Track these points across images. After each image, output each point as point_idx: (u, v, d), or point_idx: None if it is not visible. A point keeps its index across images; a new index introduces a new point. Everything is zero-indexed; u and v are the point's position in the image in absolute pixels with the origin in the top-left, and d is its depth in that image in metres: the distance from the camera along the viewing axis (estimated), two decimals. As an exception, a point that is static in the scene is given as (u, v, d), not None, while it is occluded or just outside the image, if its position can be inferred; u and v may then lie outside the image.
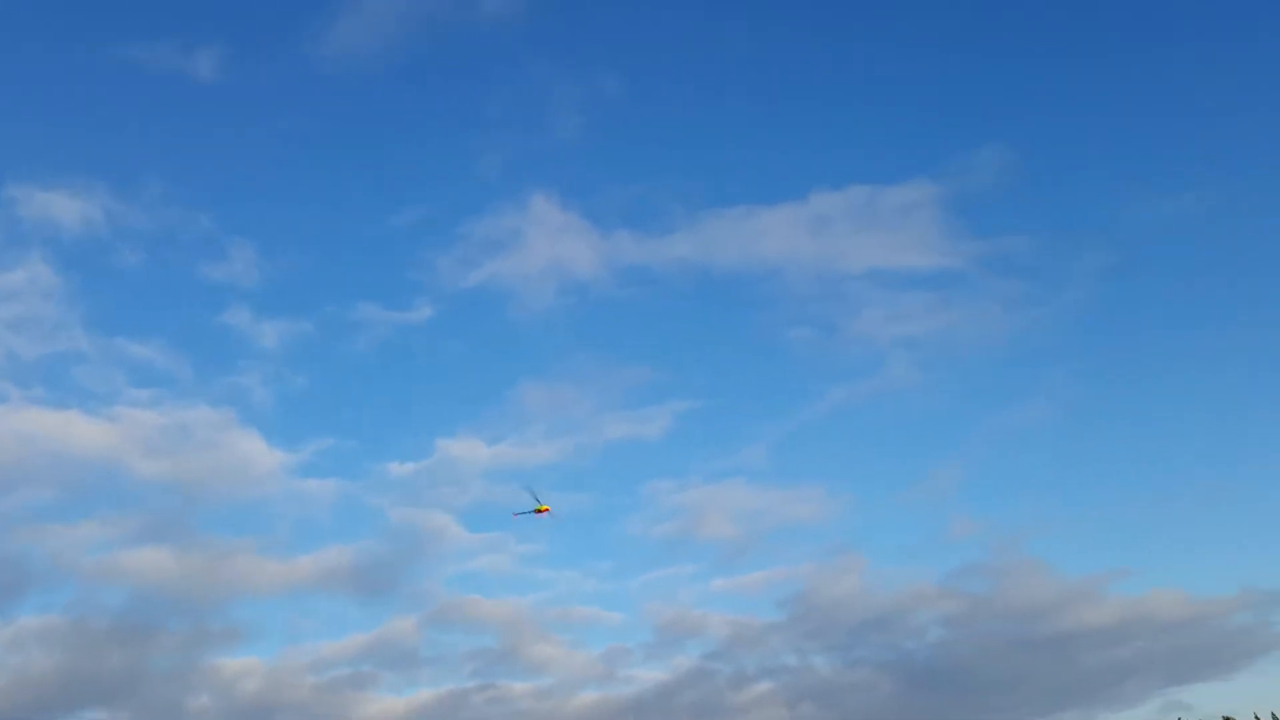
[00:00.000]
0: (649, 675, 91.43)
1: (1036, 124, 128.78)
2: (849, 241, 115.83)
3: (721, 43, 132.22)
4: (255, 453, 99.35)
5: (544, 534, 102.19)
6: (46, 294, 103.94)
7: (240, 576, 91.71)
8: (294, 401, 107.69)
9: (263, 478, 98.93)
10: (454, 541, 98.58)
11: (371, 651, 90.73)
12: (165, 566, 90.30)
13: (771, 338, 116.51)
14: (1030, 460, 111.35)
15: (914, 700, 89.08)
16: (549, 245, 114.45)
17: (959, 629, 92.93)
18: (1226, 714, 73.30)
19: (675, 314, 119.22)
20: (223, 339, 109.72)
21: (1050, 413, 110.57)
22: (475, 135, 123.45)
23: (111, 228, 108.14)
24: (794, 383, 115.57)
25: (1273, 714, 71.34)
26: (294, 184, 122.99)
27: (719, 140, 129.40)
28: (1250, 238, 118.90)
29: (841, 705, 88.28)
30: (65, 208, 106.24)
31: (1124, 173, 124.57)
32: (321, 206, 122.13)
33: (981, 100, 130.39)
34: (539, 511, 74.19)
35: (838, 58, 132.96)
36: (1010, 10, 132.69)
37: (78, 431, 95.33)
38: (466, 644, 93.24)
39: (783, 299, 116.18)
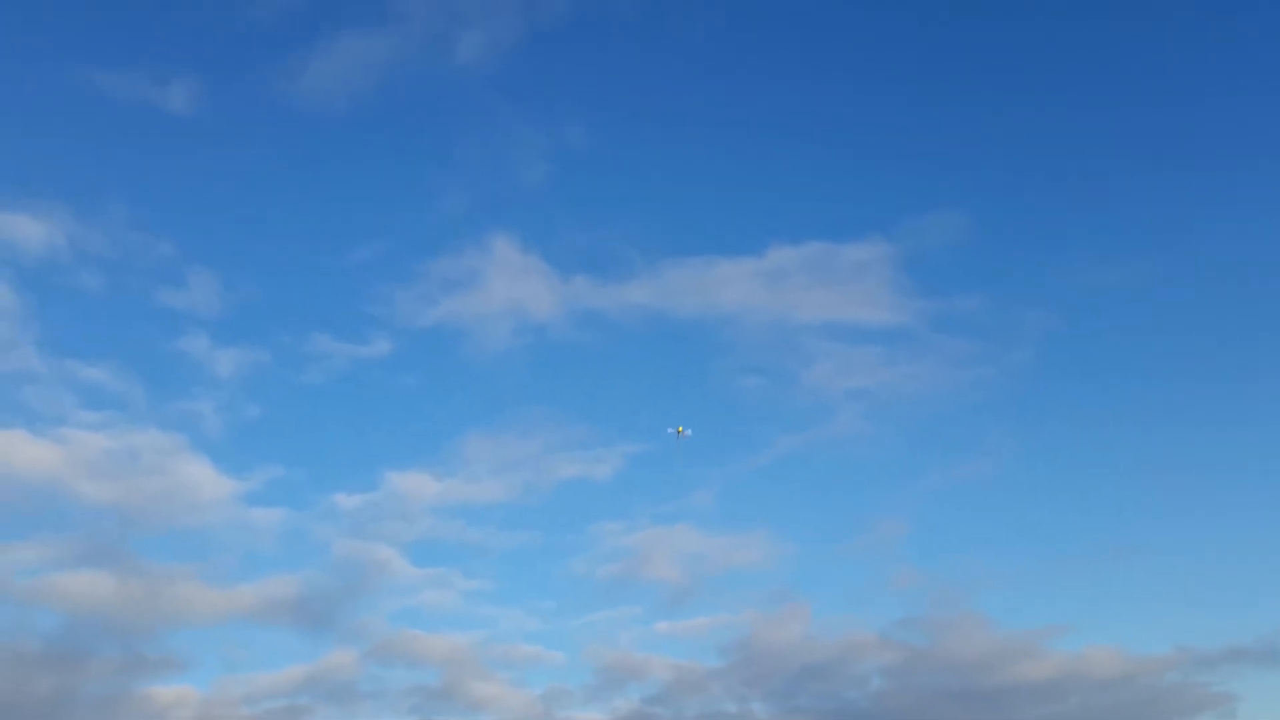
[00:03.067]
0: (589, 717, 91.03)
1: (988, 190, 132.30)
2: (803, 295, 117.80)
3: (685, 98, 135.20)
4: (204, 479, 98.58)
5: (489, 571, 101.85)
6: (1, 314, 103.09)
7: (179, 604, 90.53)
8: (246, 429, 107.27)
9: (210, 504, 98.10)
10: (398, 575, 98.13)
11: (310, 684, 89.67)
12: (102, 591, 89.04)
13: (724, 385, 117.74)
14: (973, 515, 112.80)
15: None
16: (508, 287, 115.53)
17: (899, 680, 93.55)
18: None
19: (629, 359, 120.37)
20: (178, 365, 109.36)
21: (994, 469, 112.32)
22: (441, 177, 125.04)
23: (73, 251, 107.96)
24: (744, 430, 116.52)
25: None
26: (258, 216, 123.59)
27: (680, 192, 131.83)
28: (1190, 305, 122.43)
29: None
30: (27, 229, 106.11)
31: (1071, 239, 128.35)
32: (284, 239, 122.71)
33: (937, 165, 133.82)
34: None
35: (801, 116, 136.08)
36: (968, 79, 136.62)
37: (21, 452, 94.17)
38: (407, 679, 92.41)
39: (736, 348, 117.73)
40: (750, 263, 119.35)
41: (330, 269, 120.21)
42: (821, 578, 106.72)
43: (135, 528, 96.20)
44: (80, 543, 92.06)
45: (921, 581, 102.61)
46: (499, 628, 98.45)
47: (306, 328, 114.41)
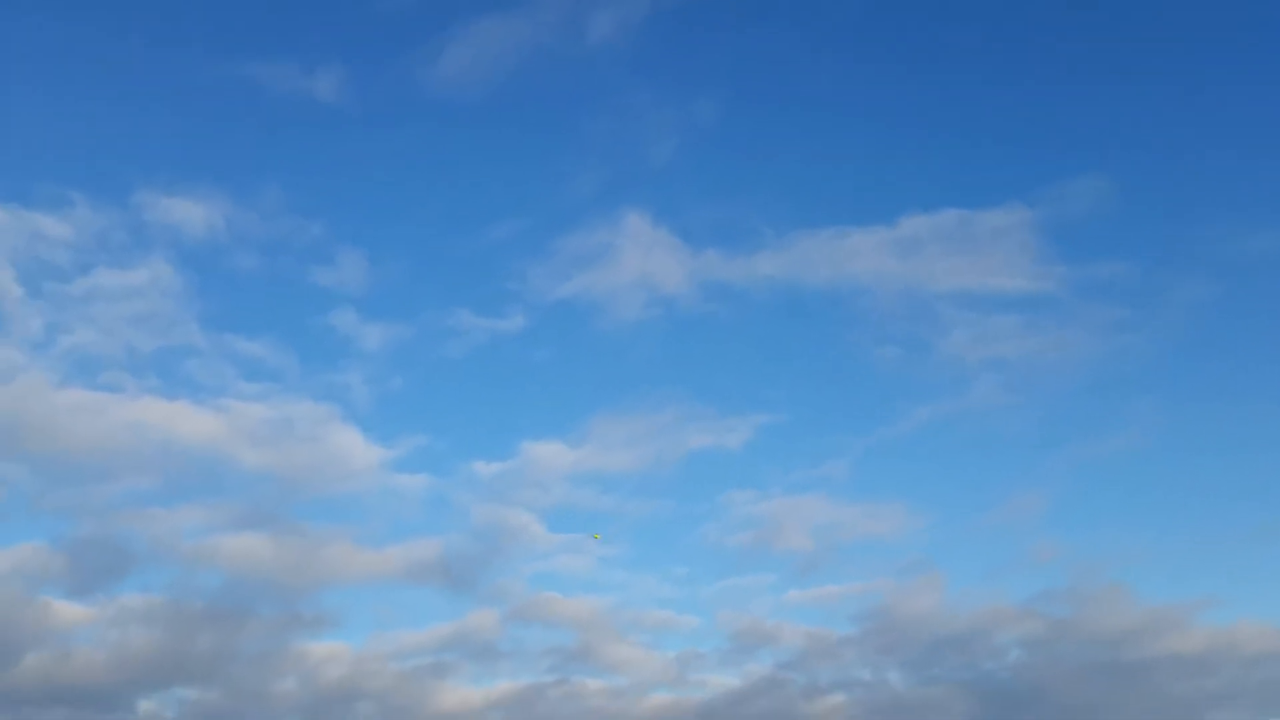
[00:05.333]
0: (721, 681, 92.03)
1: (1135, 152, 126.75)
2: (939, 264, 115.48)
3: (816, 69, 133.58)
4: (353, 447, 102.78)
5: (622, 537, 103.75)
6: (166, 292, 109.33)
7: (332, 565, 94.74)
8: (391, 400, 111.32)
9: (359, 471, 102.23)
10: (535, 540, 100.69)
11: (453, 642, 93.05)
12: (261, 553, 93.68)
13: (856, 356, 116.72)
14: (1118, 486, 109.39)
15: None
16: (639, 261, 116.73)
17: (1039, 652, 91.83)
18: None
19: (760, 330, 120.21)
20: (329, 339, 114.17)
21: (1140, 440, 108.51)
22: (573, 155, 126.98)
23: (230, 233, 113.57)
24: (878, 400, 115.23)
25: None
26: (401, 197, 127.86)
27: (811, 163, 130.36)
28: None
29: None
30: (188, 213, 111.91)
31: (1224, 203, 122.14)
32: (425, 219, 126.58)
33: (1079, 128, 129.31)
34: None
35: (935, 84, 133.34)
36: (1110, 39, 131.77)
37: (186, 421, 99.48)
38: (544, 640, 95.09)
39: (869, 318, 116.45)
40: (883, 232, 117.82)
41: (469, 247, 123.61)
42: (958, 549, 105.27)
43: (291, 492, 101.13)
44: (241, 507, 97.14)
45: (1063, 554, 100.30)
46: (632, 592, 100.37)
47: (447, 303, 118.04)
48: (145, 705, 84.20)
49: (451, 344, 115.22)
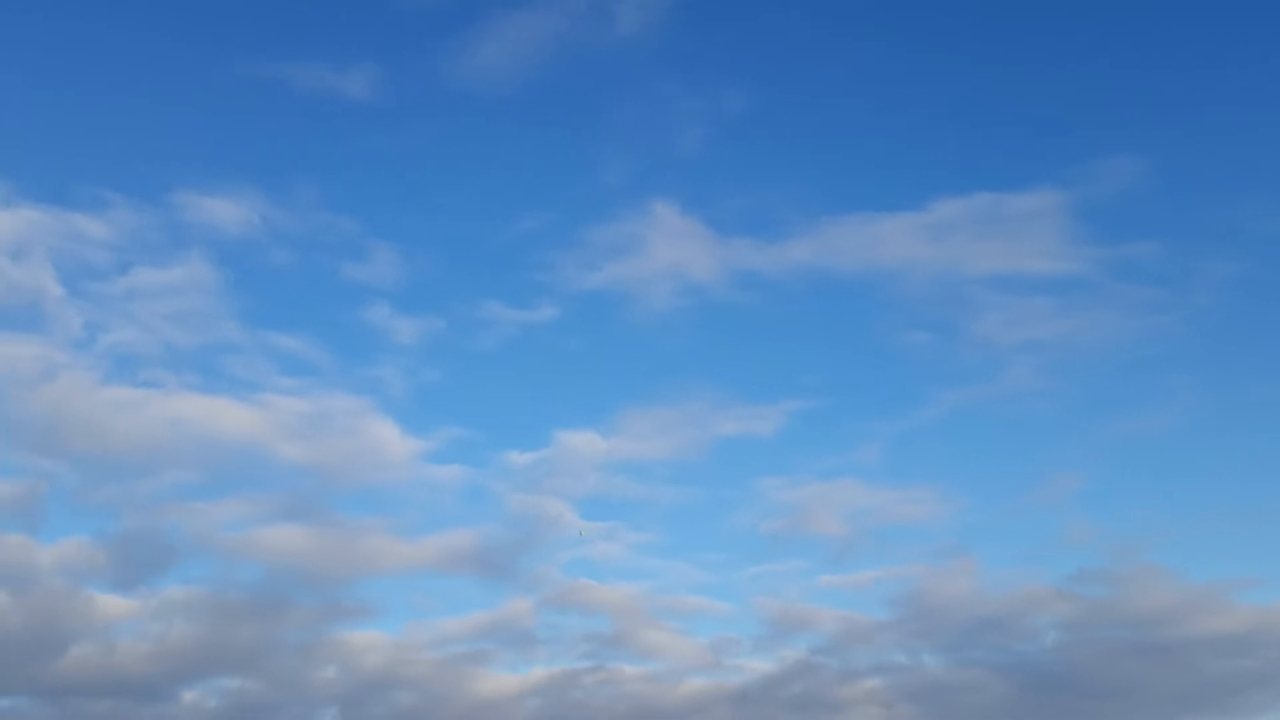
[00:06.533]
0: (756, 666, 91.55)
1: (1167, 132, 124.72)
2: (970, 247, 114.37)
3: (843, 55, 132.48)
4: (389, 439, 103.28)
5: (655, 525, 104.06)
6: (204, 290, 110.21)
7: (370, 555, 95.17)
8: (426, 392, 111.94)
9: (395, 463, 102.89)
10: (569, 528, 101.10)
11: (490, 630, 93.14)
12: (300, 544, 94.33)
13: (888, 340, 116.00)
14: (1153, 467, 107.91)
15: (1028, 702, 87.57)
16: (669, 250, 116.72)
17: (1076, 633, 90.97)
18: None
19: (790, 317, 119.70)
20: (363, 333, 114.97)
21: (1176, 419, 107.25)
22: (602, 147, 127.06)
23: (266, 230, 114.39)
24: (910, 385, 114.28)
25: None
26: (432, 192, 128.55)
27: (840, 150, 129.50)
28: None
29: (953, 704, 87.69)
30: (224, 211, 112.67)
31: (1258, 182, 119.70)
32: (456, 212, 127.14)
33: (1111, 108, 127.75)
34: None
35: (964, 66, 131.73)
36: (1142, 20, 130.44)
37: (226, 416, 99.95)
38: (580, 627, 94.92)
39: (900, 303, 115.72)
40: (913, 217, 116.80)
41: (499, 239, 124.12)
42: (992, 532, 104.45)
43: (330, 485, 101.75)
44: (280, 499, 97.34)
45: (1099, 535, 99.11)
46: (666, 579, 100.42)
47: (479, 296, 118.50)
48: (188, 695, 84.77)
49: (483, 336, 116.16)
